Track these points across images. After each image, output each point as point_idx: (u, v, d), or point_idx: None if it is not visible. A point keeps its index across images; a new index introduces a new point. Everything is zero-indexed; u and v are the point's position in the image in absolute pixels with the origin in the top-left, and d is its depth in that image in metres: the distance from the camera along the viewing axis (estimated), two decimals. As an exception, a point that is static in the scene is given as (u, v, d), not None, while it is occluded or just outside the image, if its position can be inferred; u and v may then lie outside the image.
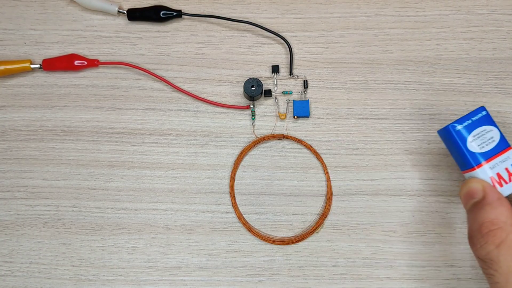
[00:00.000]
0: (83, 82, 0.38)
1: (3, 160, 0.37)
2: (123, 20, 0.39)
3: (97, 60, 0.38)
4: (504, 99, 0.37)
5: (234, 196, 0.36)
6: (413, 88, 0.38)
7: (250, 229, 0.36)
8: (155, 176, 0.37)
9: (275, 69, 0.38)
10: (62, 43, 0.39)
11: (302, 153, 0.37)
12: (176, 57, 0.38)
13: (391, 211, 0.36)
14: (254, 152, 0.37)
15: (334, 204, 0.36)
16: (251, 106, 0.37)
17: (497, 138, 0.30)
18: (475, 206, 0.29)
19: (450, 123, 0.30)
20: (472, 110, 0.31)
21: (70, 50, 0.38)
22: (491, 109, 0.37)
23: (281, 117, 0.37)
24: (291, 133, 0.37)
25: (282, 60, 0.38)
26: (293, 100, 0.37)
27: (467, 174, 0.31)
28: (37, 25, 0.39)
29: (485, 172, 0.30)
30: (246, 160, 0.37)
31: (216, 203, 0.36)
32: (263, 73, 0.38)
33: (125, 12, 0.38)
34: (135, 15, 0.38)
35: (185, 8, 0.39)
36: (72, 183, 0.37)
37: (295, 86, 0.38)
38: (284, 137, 0.37)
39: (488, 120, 0.30)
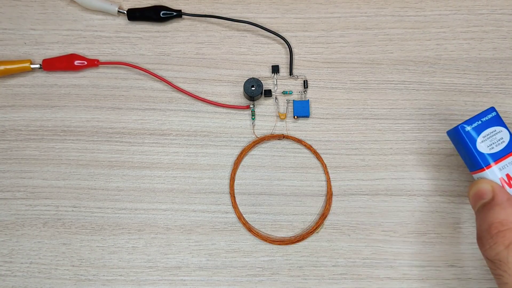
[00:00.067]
0: (83, 82, 0.38)
1: (3, 160, 0.37)
2: (123, 20, 0.39)
3: (97, 60, 0.38)
4: (504, 99, 0.37)
5: (234, 196, 0.36)
6: (413, 88, 0.38)
7: (250, 229, 0.36)
8: (155, 176, 0.37)
9: (275, 69, 0.38)
10: (62, 43, 0.39)
11: (302, 153, 0.37)
12: (176, 57, 0.38)
13: (391, 211, 0.36)
14: (254, 152, 0.37)
15: (334, 204, 0.36)
16: (251, 106, 0.37)
17: (506, 139, 0.30)
18: (484, 207, 0.29)
19: (460, 124, 0.30)
20: (482, 110, 0.30)
21: (70, 50, 0.38)
22: (491, 109, 0.37)
23: (281, 117, 0.37)
24: (291, 133, 0.37)
25: (282, 60, 0.38)
26: (293, 100, 0.37)
27: (476, 175, 0.31)
28: (37, 25, 0.39)
29: (494, 173, 0.30)
30: (246, 160, 0.37)
31: (216, 203, 0.36)
32: (263, 73, 0.38)
33: (125, 12, 0.38)
34: (135, 15, 0.38)
35: (185, 8, 0.39)
36: (72, 183, 0.37)
37: (295, 86, 0.38)
38: (284, 137, 0.37)
39: (498, 121, 0.30)
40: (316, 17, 0.39)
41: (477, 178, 0.30)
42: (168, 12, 0.38)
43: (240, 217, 0.36)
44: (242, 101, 0.38)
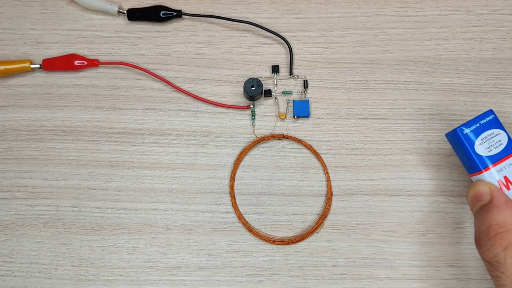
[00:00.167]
0: (83, 82, 0.38)
1: (3, 160, 0.37)
2: (123, 20, 0.39)
3: (97, 60, 0.38)
4: (504, 99, 0.37)
5: (234, 196, 0.36)
6: (413, 88, 0.38)
7: (250, 229, 0.36)
8: (155, 176, 0.37)
9: (275, 69, 0.38)
10: (62, 43, 0.39)
11: (302, 153, 0.37)
12: (176, 57, 0.38)
13: (391, 211, 0.36)
14: (254, 152, 0.37)
15: (334, 204, 0.36)
16: (251, 106, 0.37)
17: (504, 141, 0.30)
18: (482, 209, 0.29)
19: (458, 126, 0.30)
20: (480, 113, 0.31)
21: (70, 50, 0.38)
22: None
23: (281, 117, 0.37)
24: (291, 133, 0.37)
25: (282, 60, 0.38)
26: (293, 100, 0.37)
27: (474, 177, 0.31)
28: (37, 25, 0.39)
29: (493, 175, 0.30)
30: (246, 160, 0.37)
31: (216, 203, 0.36)
32: (263, 73, 0.38)
33: (125, 12, 0.38)
34: (135, 15, 0.38)
35: (185, 8, 0.39)
36: (72, 183, 0.37)
37: (295, 86, 0.38)
38: (284, 137, 0.37)
39: (496, 123, 0.30)
40: (316, 17, 0.39)
41: (476, 180, 0.31)
42: (168, 12, 0.38)
43: (240, 217, 0.36)
44: (242, 101, 0.38)
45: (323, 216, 0.36)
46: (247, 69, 0.38)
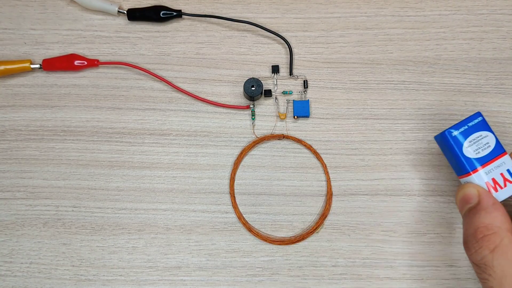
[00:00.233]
0: (83, 82, 0.38)
1: (3, 160, 0.37)
2: (123, 20, 0.39)
3: (97, 60, 0.38)
4: (504, 99, 0.37)
5: (234, 196, 0.36)
6: (413, 88, 0.38)
7: (250, 229, 0.36)
8: (155, 176, 0.37)
9: (275, 69, 0.38)
10: (62, 43, 0.39)
11: (302, 153, 0.37)
12: (176, 57, 0.38)
13: (391, 211, 0.36)
14: (254, 152, 0.37)
15: (334, 204, 0.36)
16: (251, 106, 0.37)
17: (492, 143, 0.30)
18: (470, 211, 0.29)
19: (447, 129, 0.30)
20: (469, 115, 0.31)
21: (70, 50, 0.38)
22: (491, 109, 0.37)
23: (281, 117, 0.37)
24: (291, 133, 0.37)
25: (282, 60, 0.38)
26: (293, 100, 0.37)
27: (463, 179, 0.31)
28: (37, 25, 0.39)
29: (481, 177, 0.30)
30: (246, 160, 0.37)
31: (216, 203, 0.36)
32: (263, 73, 0.38)
33: (125, 12, 0.38)
34: (135, 15, 0.38)
35: (185, 8, 0.39)
36: (72, 183, 0.37)
37: (295, 86, 0.38)
38: (284, 137, 0.37)
39: (484, 125, 0.30)
40: (316, 17, 0.39)
41: (464, 182, 0.31)
42: (168, 12, 0.38)
43: (240, 217, 0.36)
44: (242, 101, 0.38)
45: (323, 216, 0.36)
46: (247, 69, 0.38)
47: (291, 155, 0.37)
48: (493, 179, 0.30)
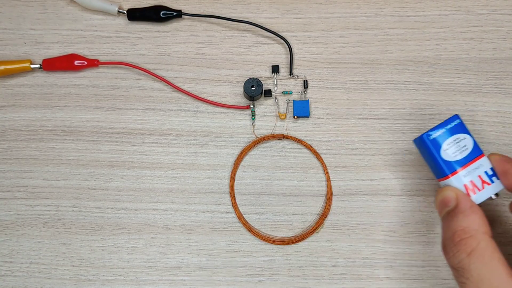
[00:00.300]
0: (83, 82, 0.38)
1: (3, 160, 0.37)
2: (123, 20, 0.39)
3: (97, 60, 0.38)
4: (504, 99, 0.37)
5: (234, 196, 0.36)
6: (413, 88, 0.38)
7: (250, 229, 0.36)
8: (155, 176, 0.37)
9: (275, 69, 0.38)
10: (62, 43, 0.39)
11: (302, 153, 0.37)
12: (176, 57, 0.38)
13: (391, 211, 0.36)
14: (254, 152, 0.37)
15: (334, 204, 0.36)
16: (251, 106, 0.37)
17: (470, 146, 0.30)
18: (448, 214, 0.29)
19: (425, 132, 0.30)
20: (446, 118, 0.31)
21: (70, 50, 0.38)
22: (491, 109, 0.37)
23: (281, 117, 0.37)
24: (291, 133, 0.37)
25: (282, 60, 0.38)
26: (293, 100, 0.37)
27: (442, 182, 0.31)
28: (37, 25, 0.39)
29: (459, 180, 0.30)
30: (246, 160, 0.37)
31: (216, 203, 0.36)
32: (263, 73, 0.38)
33: (125, 12, 0.38)
34: (135, 15, 0.38)
35: (185, 8, 0.39)
36: (72, 183, 0.37)
37: (295, 86, 0.38)
38: (284, 137, 0.37)
39: (461, 128, 0.30)
40: (316, 17, 0.39)
41: (443, 185, 0.31)
42: (168, 12, 0.38)
43: (240, 217, 0.36)
44: (242, 101, 0.38)
45: (323, 216, 0.36)
46: (247, 69, 0.38)
47: (291, 155, 0.37)
48: (471, 182, 0.30)
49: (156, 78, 0.38)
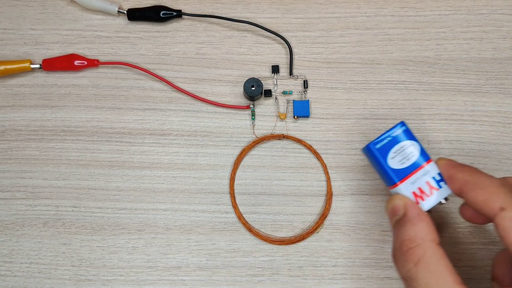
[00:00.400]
0: (83, 82, 0.38)
1: (3, 160, 0.37)
2: (123, 20, 0.39)
3: (97, 60, 0.38)
4: (504, 99, 0.37)
5: (234, 196, 0.36)
6: (413, 88, 0.38)
7: (250, 229, 0.36)
8: (155, 176, 0.37)
9: (275, 69, 0.38)
10: (62, 43, 0.39)
11: (302, 153, 0.37)
12: (176, 57, 0.38)
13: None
14: (254, 152, 0.37)
15: (334, 204, 0.36)
16: (251, 106, 0.37)
17: (417, 152, 0.30)
18: (397, 223, 0.29)
19: (371, 141, 0.30)
20: (392, 126, 0.30)
21: (70, 50, 0.38)
22: (491, 109, 0.37)
23: (281, 117, 0.37)
24: (291, 133, 0.37)
25: (282, 60, 0.38)
26: (293, 100, 0.37)
27: (391, 190, 0.30)
28: (37, 25, 0.39)
29: (407, 187, 0.29)
30: (246, 160, 0.37)
31: (216, 203, 0.36)
32: (263, 73, 0.38)
33: (125, 12, 0.38)
34: (135, 15, 0.38)
35: (185, 8, 0.39)
36: (72, 183, 0.37)
37: (295, 86, 0.38)
38: (284, 137, 0.37)
39: (407, 135, 0.30)
40: (316, 17, 0.39)
41: (393, 193, 0.30)
42: (168, 12, 0.38)
43: (240, 217, 0.36)
44: (242, 101, 0.38)
45: (323, 216, 0.36)
46: (247, 69, 0.38)
47: (291, 155, 0.37)
48: (419, 188, 0.29)
49: (156, 78, 0.38)
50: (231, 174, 0.37)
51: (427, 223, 0.28)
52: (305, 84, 0.38)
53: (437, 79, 0.38)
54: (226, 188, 0.37)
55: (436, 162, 0.30)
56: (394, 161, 0.30)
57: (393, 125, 0.30)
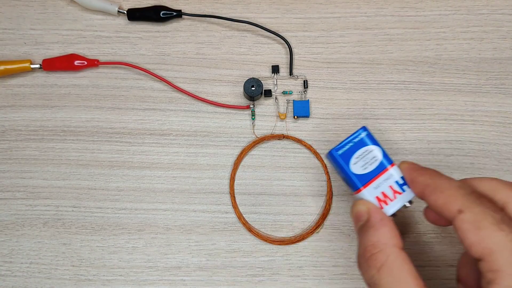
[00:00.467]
0: (83, 82, 0.38)
1: (3, 160, 0.37)
2: (123, 20, 0.39)
3: (97, 60, 0.38)
4: (504, 99, 0.37)
5: (234, 196, 0.36)
6: (413, 88, 0.38)
7: (250, 229, 0.36)
8: (155, 176, 0.37)
9: (275, 69, 0.38)
10: (62, 43, 0.39)
11: (302, 153, 0.37)
12: (176, 57, 0.38)
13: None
14: (254, 152, 0.37)
15: (334, 204, 0.36)
16: (251, 106, 0.37)
17: (379, 157, 0.30)
18: (361, 229, 0.29)
19: (333, 148, 0.30)
20: (354, 131, 0.30)
21: (70, 50, 0.38)
22: (491, 109, 0.37)
23: (281, 117, 0.37)
24: (291, 133, 0.37)
25: (282, 60, 0.38)
26: (293, 100, 0.37)
27: (356, 196, 0.30)
28: (37, 25, 0.39)
29: (371, 192, 0.29)
30: (246, 160, 0.37)
31: (216, 203, 0.36)
32: (263, 73, 0.38)
33: (125, 12, 0.38)
34: (135, 15, 0.38)
35: (185, 8, 0.39)
36: (72, 183, 0.37)
37: (295, 86, 0.38)
38: (284, 137, 0.37)
39: (369, 140, 0.30)
40: (316, 17, 0.39)
41: (357, 198, 0.30)
42: (168, 12, 0.38)
43: (240, 217, 0.36)
44: (242, 101, 0.38)
45: (323, 216, 0.36)
46: (247, 69, 0.38)
47: (291, 155, 0.37)
48: (383, 193, 0.29)
49: (156, 78, 0.38)
50: (231, 174, 0.37)
51: (389, 228, 0.27)
52: (305, 84, 0.38)
53: (437, 79, 0.38)
54: (226, 188, 0.37)
55: (399, 165, 0.30)
56: (357, 166, 0.30)
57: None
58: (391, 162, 0.30)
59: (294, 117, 0.37)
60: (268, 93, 0.37)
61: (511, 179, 0.36)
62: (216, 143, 0.37)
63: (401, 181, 0.29)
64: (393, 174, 0.30)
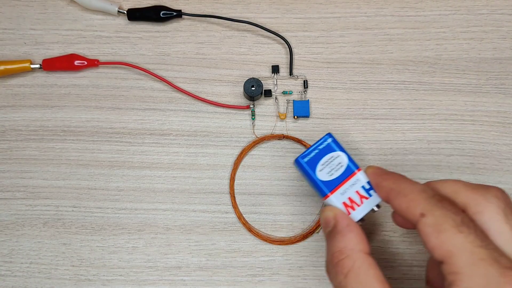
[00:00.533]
0: (83, 82, 0.38)
1: (3, 160, 0.37)
2: (123, 20, 0.39)
3: (97, 60, 0.38)
4: (504, 99, 0.37)
5: (234, 196, 0.36)
6: (413, 88, 0.38)
7: (250, 229, 0.36)
8: (155, 176, 0.37)
9: (275, 69, 0.38)
10: (62, 43, 0.39)
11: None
12: (176, 57, 0.38)
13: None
14: (254, 152, 0.37)
15: (334, 204, 0.36)
16: (251, 106, 0.37)
17: (345, 163, 0.30)
18: (329, 235, 0.28)
19: (299, 155, 0.30)
20: (319, 138, 0.30)
21: (70, 50, 0.38)
22: (491, 109, 0.37)
23: (281, 117, 0.37)
24: (291, 133, 0.37)
25: (282, 60, 0.38)
26: (293, 100, 0.37)
27: (324, 202, 0.30)
28: (37, 25, 0.39)
29: (338, 198, 0.29)
30: (246, 160, 0.37)
31: (216, 203, 0.36)
32: (263, 73, 0.38)
33: (125, 12, 0.38)
34: (135, 15, 0.38)
35: (185, 8, 0.39)
36: (72, 183, 0.37)
37: (295, 86, 0.38)
38: (284, 137, 0.37)
39: (335, 146, 0.30)
40: (316, 17, 0.39)
41: (325, 204, 0.30)
42: (168, 12, 0.38)
43: (240, 217, 0.36)
44: (242, 101, 0.38)
45: (323, 216, 0.36)
46: (247, 69, 0.38)
47: (291, 155, 0.37)
48: (350, 198, 0.29)
49: (156, 78, 0.38)
50: (231, 174, 0.37)
51: (356, 233, 0.27)
52: (305, 84, 0.38)
53: (437, 79, 0.38)
54: (226, 188, 0.37)
55: (365, 170, 0.30)
56: (323, 173, 0.30)
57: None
58: (357, 167, 0.30)
59: (294, 117, 0.37)
60: (268, 93, 0.37)
61: (511, 179, 0.36)
62: (216, 143, 0.37)
63: (367, 186, 0.30)
64: (360, 179, 0.30)
